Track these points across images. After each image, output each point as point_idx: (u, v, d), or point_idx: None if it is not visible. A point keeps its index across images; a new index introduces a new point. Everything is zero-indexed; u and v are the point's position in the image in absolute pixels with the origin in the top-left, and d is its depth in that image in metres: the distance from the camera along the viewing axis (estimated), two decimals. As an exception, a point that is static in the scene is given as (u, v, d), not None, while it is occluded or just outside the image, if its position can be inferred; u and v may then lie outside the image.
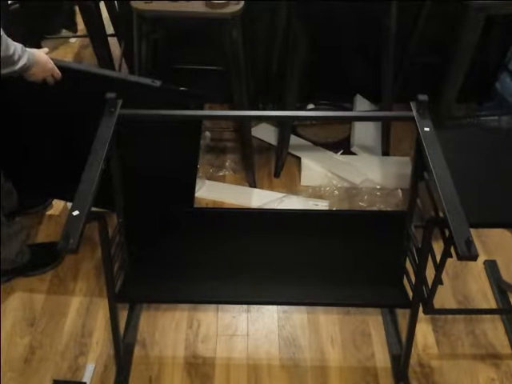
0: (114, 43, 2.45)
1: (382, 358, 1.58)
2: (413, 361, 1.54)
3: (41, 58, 1.39)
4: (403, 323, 1.60)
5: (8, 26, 1.30)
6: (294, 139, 2.29)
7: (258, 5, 1.99)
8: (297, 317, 1.69)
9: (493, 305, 1.73)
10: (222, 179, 2.19)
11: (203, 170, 2.20)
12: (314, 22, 1.91)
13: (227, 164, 2.25)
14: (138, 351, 1.59)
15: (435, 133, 1.23)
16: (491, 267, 1.82)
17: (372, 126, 2.36)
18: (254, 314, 1.70)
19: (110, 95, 1.27)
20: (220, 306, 1.71)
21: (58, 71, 1.45)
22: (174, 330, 1.65)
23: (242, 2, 1.66)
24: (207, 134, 2.32)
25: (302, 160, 2.23)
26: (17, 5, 2.32)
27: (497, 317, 1.69)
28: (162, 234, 1.55)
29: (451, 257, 1.08)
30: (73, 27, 2.91)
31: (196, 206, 1.96)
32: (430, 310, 1.31)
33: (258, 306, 1.71)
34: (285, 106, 2.14)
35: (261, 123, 2.41)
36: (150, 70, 1.83)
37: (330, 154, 2.28)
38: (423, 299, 1.30)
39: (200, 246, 1.54)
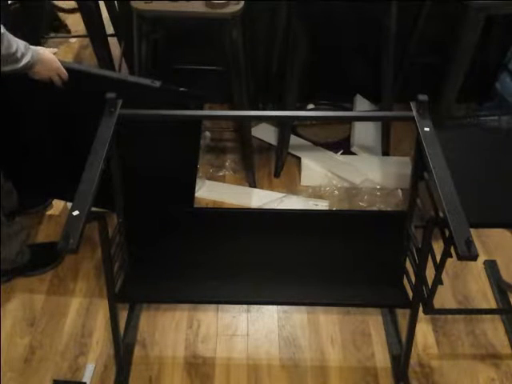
0: (114, 43, 2.45)
1: (381, 358, 1.58)
2: (413, 361, 1.54)
3: (45, 57, 1.37)
4: (403, 323, 1.60)
5: (8, 26, 1.30)
6: (293, 139, 2.29)
7: (257, 5, 1.99)
8: (297, 317, 1.69)
9: (493, 305, 1.73)
10: (222, 179, 2.19)
11: (203, 170, 2.19)
12: (314, 22, 1.91)
13: (227, 164, 2.25)
14: (137, 351, 1.59)
15: (435, 133, 1.23)
16: (491, 267, 1.82)
17: (372, 126, 2.36)
18: (254, 314, 1.70)
19: (110, 95, 1.27)
20: (220, 306, 1.71)
21: (64, 71, 1.43)
22: (173, 330, 1.65)
23: (242, 2, 1.66)
24: (207, 133, 2.32)
25: (302, 160, 2.23)
26: (17, 5, 2.32)
27: (497, 317, 1.69)
28: (162, 234, 1.55)
29: (451, 257, 1.08)
30: (60, 29, 2.94)
31: (196, 205, 1.96)
32: (430, 310, 1.31)
33: (258, 306, 1.71)
34: (285, 106, 2.14)
35: (261, 123, 2.41)
36: (149, 70, 1.83)
37: (330, 153, 2.28)
38: (423, 299, 1.30)
39: (200, 246, 1.54)
